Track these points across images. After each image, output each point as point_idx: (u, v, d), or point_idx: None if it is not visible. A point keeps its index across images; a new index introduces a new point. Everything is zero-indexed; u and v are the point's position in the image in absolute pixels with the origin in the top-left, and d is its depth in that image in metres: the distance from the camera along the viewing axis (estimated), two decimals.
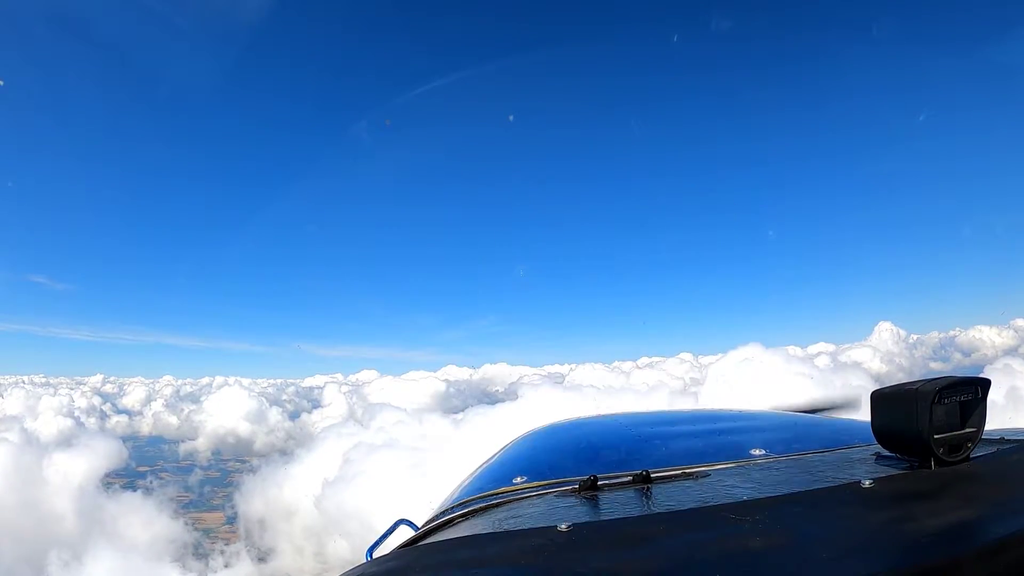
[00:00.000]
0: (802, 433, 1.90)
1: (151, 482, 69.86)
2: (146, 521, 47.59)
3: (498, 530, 1.14)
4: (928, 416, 1.00)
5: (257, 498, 54.58)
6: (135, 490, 57.90)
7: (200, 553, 47.99)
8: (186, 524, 52.17)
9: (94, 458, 58.05)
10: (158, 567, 38.27)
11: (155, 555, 41.07)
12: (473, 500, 1.54)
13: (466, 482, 1.87)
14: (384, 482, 37.58)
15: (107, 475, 61.10)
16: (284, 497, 51.34)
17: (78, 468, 53.76)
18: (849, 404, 2.64)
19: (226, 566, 45.25)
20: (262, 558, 47.70)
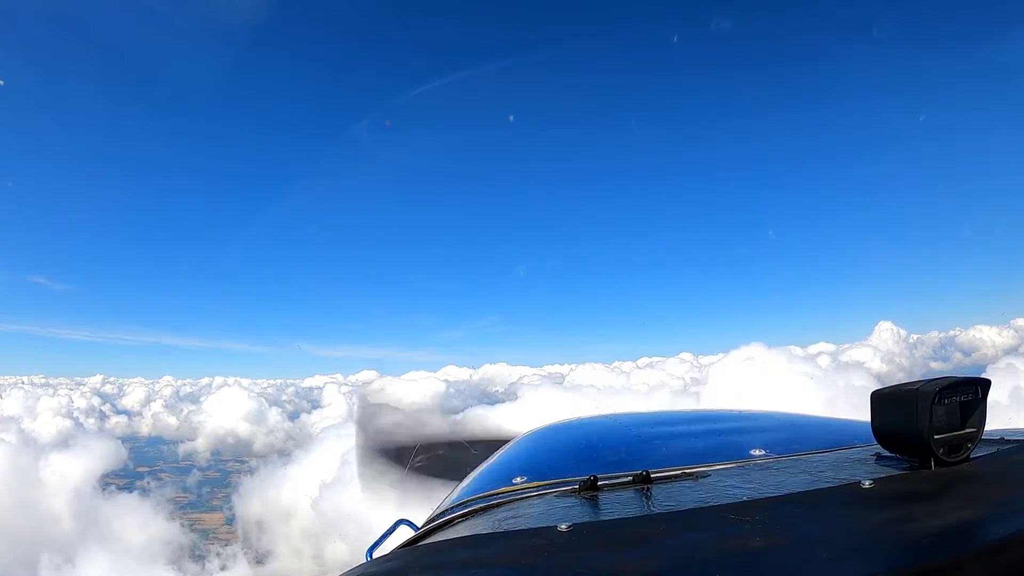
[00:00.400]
0: (802, 433, 1.89)
1: (149, 483, 69.42)
2: (143, 523, 47.41)
3: (498, 530, 1.14)
4: (928, 416, 0.99)
5: (256, 499, 54.41)
6: (133, 491, 57.67)
7: (197, 555, 47.79)
8: (184, 525, 51.94)
9: (92, 459, 57.91)
10: (152, 569, 38.08)
11: (150, 557, 40.89)
12: (473, 500, 1.53)
13: (466, 482, 1.87)
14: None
15: (105, 476, 60.95)
16: (282, 498, 51.18)
17: (76, 469, 53.62)
18: None
19: (222, 568, 45.02)
20: (259, 560, 47.45)
